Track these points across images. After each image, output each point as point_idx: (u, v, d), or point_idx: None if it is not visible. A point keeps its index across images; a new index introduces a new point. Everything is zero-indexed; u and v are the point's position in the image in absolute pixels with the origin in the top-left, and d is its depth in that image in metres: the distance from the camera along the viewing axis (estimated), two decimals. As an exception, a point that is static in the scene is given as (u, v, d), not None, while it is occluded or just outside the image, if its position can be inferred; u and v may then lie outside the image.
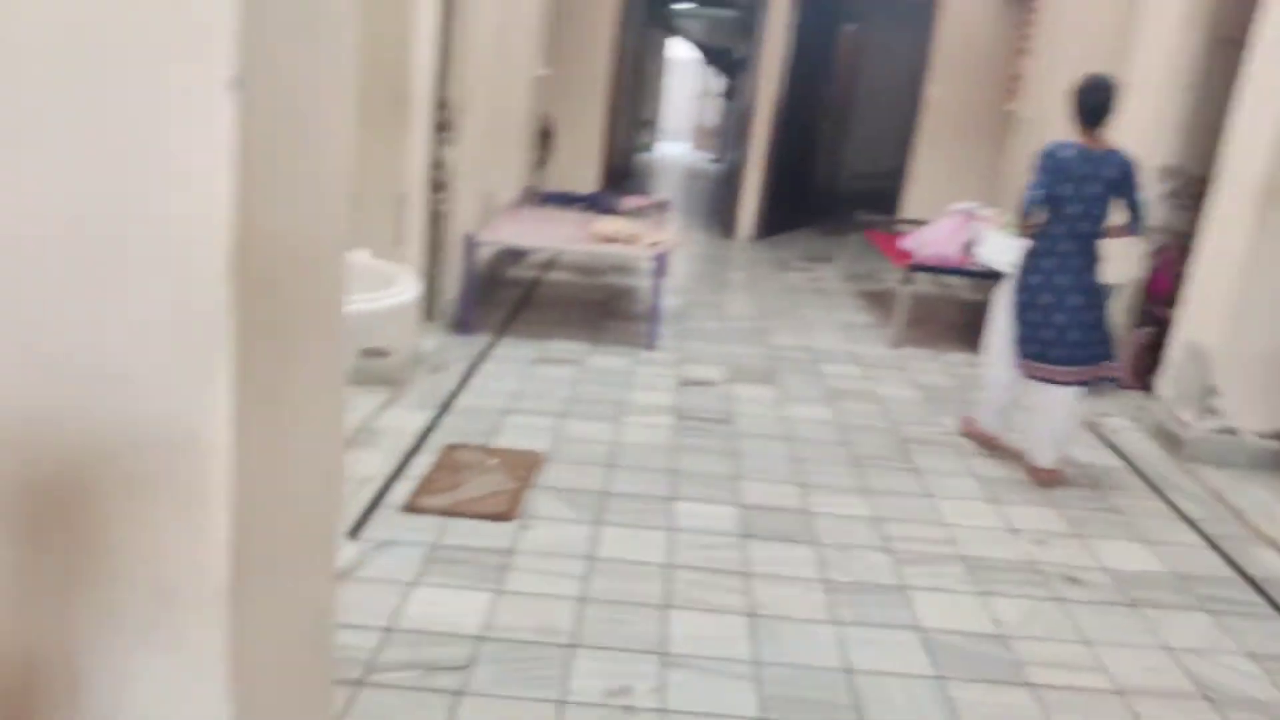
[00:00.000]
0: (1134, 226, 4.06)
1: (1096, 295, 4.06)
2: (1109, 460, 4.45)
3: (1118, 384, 4.40)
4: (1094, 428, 4.84)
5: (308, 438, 1.51)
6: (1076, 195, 3.93)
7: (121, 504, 1.27)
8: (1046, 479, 4.10)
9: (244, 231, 1.18)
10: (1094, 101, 3.93)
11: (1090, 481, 4.18)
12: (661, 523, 3.48)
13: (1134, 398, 5.32)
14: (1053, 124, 6.83)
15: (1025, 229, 4.12)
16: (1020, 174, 7.12)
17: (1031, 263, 4.08)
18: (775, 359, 5.58)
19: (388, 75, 4.17)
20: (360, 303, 2.59)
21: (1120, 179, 3.94)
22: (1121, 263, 5.35)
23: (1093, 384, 4.13)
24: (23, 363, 1.23)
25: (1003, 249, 5.75)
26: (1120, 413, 5.07)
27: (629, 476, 3.84)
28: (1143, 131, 5.25)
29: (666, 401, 4.72)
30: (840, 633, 2.89)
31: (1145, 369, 5.46)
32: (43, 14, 1.14)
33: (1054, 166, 3.94)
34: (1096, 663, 2.85)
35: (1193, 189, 5.33)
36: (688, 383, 5.03)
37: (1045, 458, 4.11)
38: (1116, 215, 4.02)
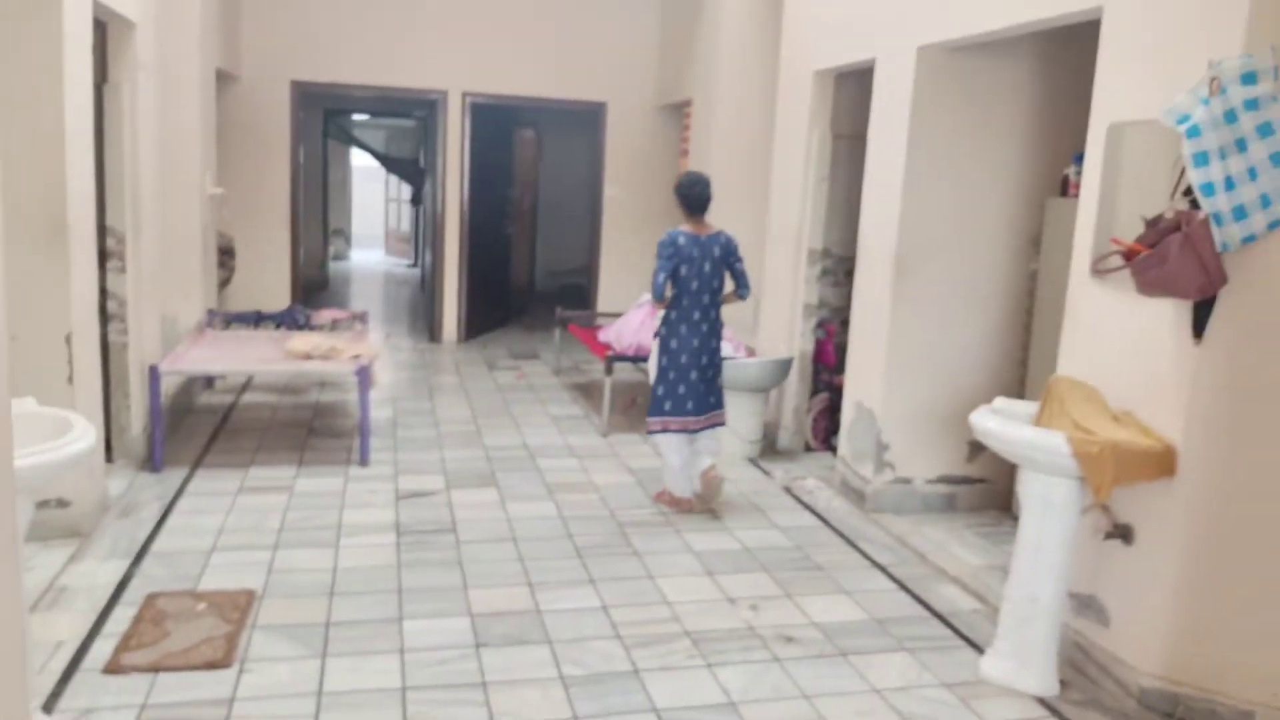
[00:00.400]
0: (741, 292, 4.87)
1: (717, 354, 4.90)
2: (807, 520, 4.83)
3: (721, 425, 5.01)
4: (790, 490, 5.24)
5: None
6: (693, 273, 4.72)
7: None
8: (685, 506, 4.88)
9: None
10: (695, 194, 4.81)
11: (794, 543, 4.51)
12: (392, 645, 3.38)
13: (821, 459, 5.83)
14: (715, 219, 7.44)
15: (662, 306, 4.80)
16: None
17: (670, 330, 4.81)
18: (493, 460, 5.61)
19: (43, 207, 3.89)
20: (30, 456, 2.38)
21: (724, 255, 4.80)
22: (790, 339, 5.90)
23: (710, 426, 4.90)
24: None
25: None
26: (811, 474, 5.52)
27: (352, 602, 3.70)
28: (791, 220, 5.87)
29: (385, 518, 4.61)
30: (583, 728, 2.93)
31: (826, 432, 6.01)
32: None
33: (672, 252, 4.70)
34: (817, 715, 3.06)
35: (842, 267, 6.00)
36: (406, 495, 4.94)
37: (679, 489, 4.89)
38: (728, 285, 4.87)
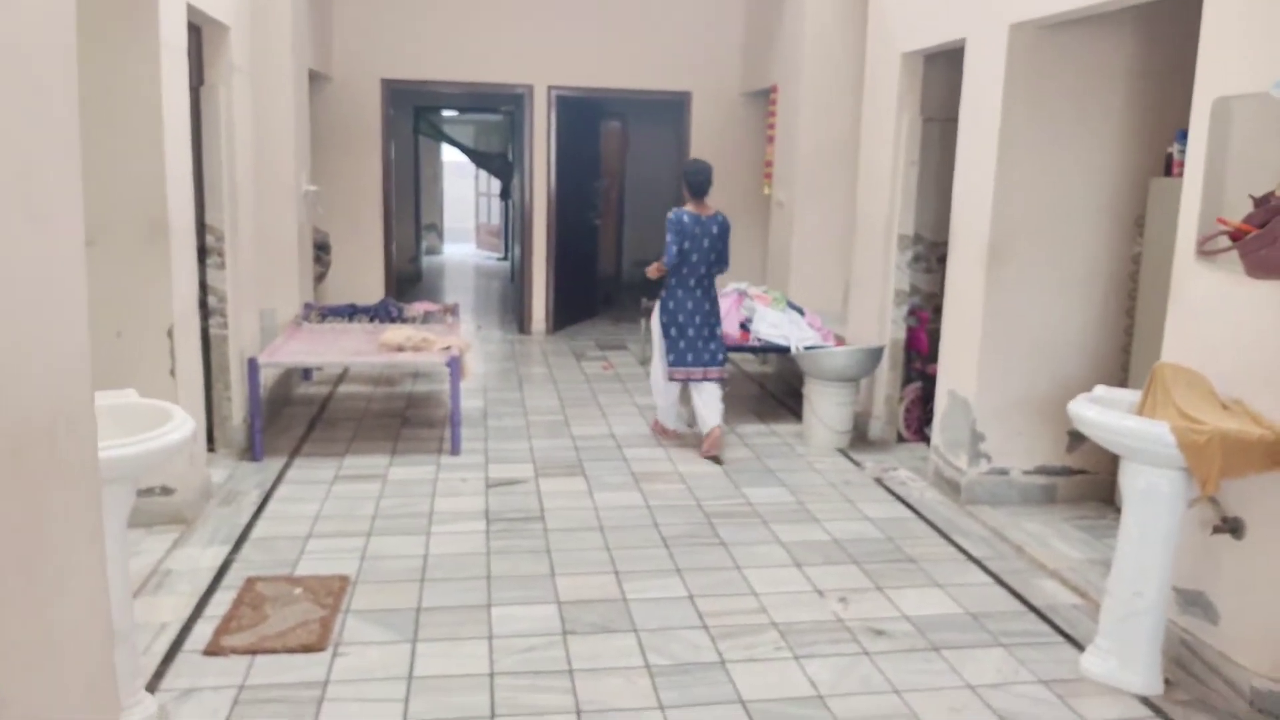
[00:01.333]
0: (719, 267, 5.61)
1: (712, 316, 5.63)
2: (900, 512, 4.73)
3: (725, 382, 5.72)
4: (881, 481, 5.14)
5: (76, 598, 1.43)
6: (694, 247, 5.49)
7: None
8: (672, 436, 5.87)
9: None
10: (698, 180, 5.53)
11: (885, 535, 4.43)
12: (480, 631, 3.42)
13: (914, 449, 5.71)
14: (803, 206, 7.39)
15: (658, 273, 5.64)
16: (783, 254, 7.61)
17: (669, 294, 5.61)
18: (580, 449, 5.63)
19: (144, 206, 4.03)
20: (129, 445, 2.47)
21: (719, 234, 5.54)
22: (880, 326, 5.79)
23: (712, 380, 5.61)
24: None
25: (776, 324, 6.10)
26: (903, 465, 5.41)
27: (442, 588, 3.76)
28: (881, 206, 5.74)
29: (475, 506, 4.67)
30: (667, 717, 2.91)
31: (919, 421, 5.88)
32: None
33: (680, 229, 5.46)
34: (908, 710, 3.00)
35: (934, 253, 5.86)
36: (495, 484, 5.00)
37: (669, 422, 5.89)
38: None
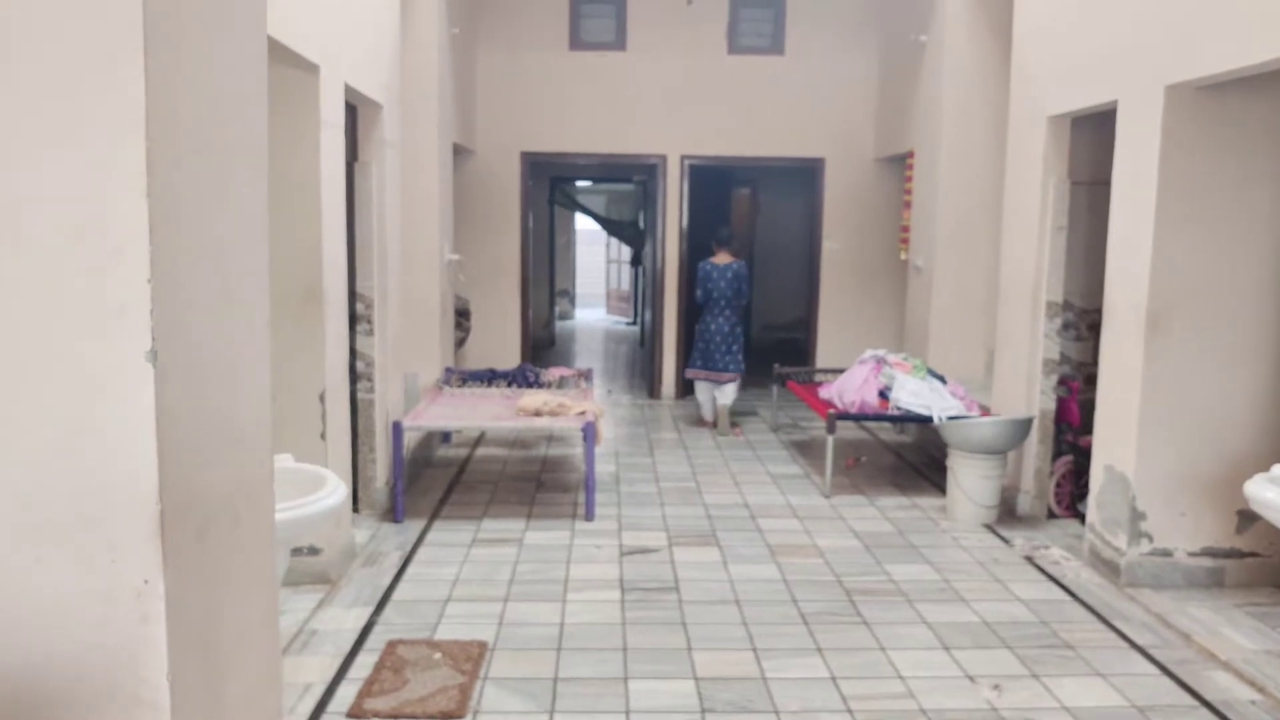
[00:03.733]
0: (739, 300, 7.79)
1: (729, 338, 7.76)
2: (1054, 594, 4.49)
3: (737, 384, 7.89)
4: (1032, 560, 4.90)
5: (249, 672, 1.46)
6: (715, 289, 7.73)
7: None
8: (704, 425, 8.03)
9: (169, 492, 1.18)
10: (717, 236, 7.90)
11: (1039, 618, 4.20)
12: (617, 705, 3.37)
13: (1066, 526, 5.43)
14: (942, 271, 7.23)
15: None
16: (921, 320, 7.45)
17: (700, 319, 7.88)
18: (714, 518, 5.57)
19: (300, 273, 4.22)
20: (287, 510, 2.54)
21: (735, 278, 7.72)
22: (1029, 397, 5.56)
23: (719, 383, 7.83)
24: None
25: (917, 392, 5.94)
26: (1055, 543, 5.15)
27: (578, 658, 3.73)
28: (1027, 271, 5.55)
29: (610, 574, 4.65)
30: (814, 806, 2.79)
31: (1071, 497, 5.61)
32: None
33: (703, 277, 7.81)
34: (1074, 810, 2.80)
35: (1085, 320, 5.62)
36: (630, 551, 4.97)
37: (705, 415, 8.03)
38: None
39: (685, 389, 9.45)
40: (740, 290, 7.71)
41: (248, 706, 1.47)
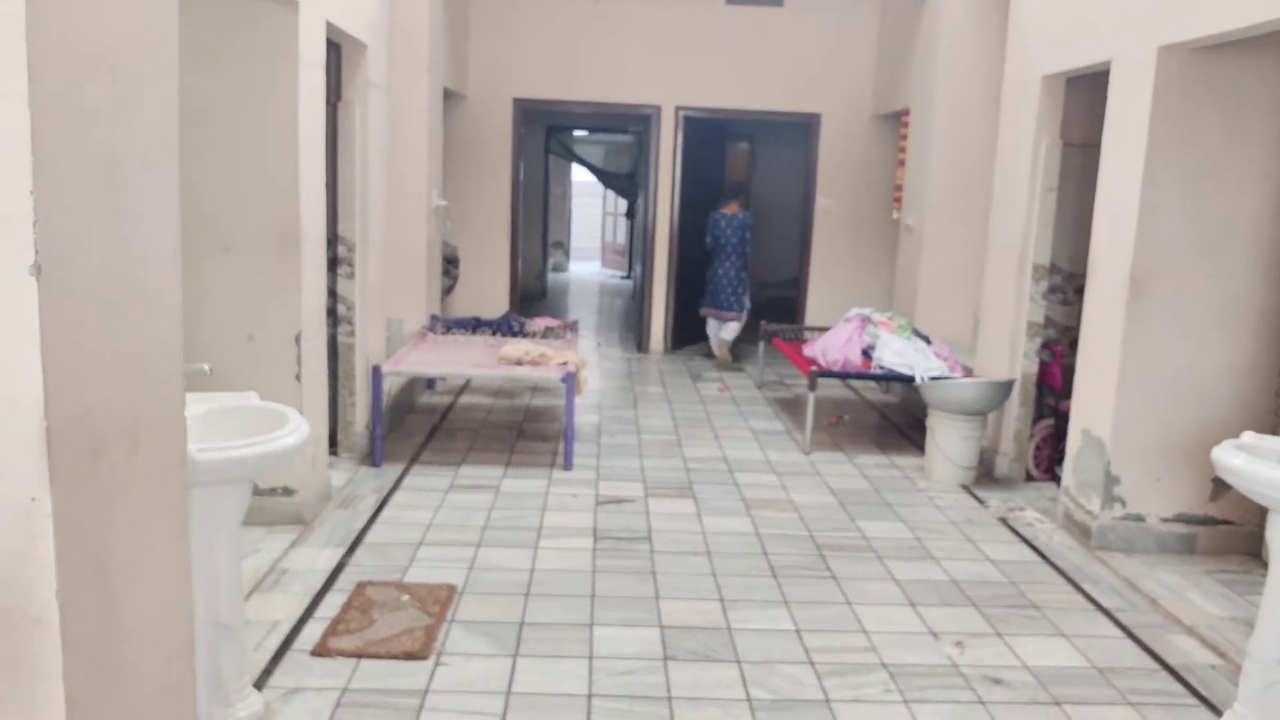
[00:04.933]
0: (744, 247, 8.71)
1: (735, 282, 8.67)
2: (1025, 555, 4.51)
3: (740, 323, 8.82)
4: (1006, 521, 4.92)
5: (153, 598, 1.45)
6: (723, 236, 8.63)
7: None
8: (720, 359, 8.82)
9: (55, 410, 1.16)
10: (727, 191, 8.89)
11: (1008, 578, 4.22)
12: (581, 651, 3.39)
13: (1043, 489, 5.45)
14: (933, 232, 7.18)
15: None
16: (910, 280, 7.42)
17: (712, 263, 8.73)
18: (692, 471, 5.58)
19: (276, 215, 4.18)
20: (245, 448, 2.53)
21: (740, 227, 8.63)
22: (1011, 360, 5.55)
23: (723, 320, 8.77)
24: None
25: (901, 352, 5.92)
26: (1030, 505, 5.16)
27: (546, 604, 3.75)
28: (1015, 233, 5.51)
29: (584, 523, 4.66)
30: (768, 754, 2.82)
31: (1050, 460, 5.62)
32: None
33: (712, 225, 8.68)
34: (1025, 765, 2.82)
35: (1071, 284, 5.59)
36: (605, 501, 4.98)
37: (714, 349, 8.89)
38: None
39: (675, 343, 9.45)
40: (744, 238, 8.61)
41: (151, 635, 1.46)
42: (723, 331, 8.75)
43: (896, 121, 8.42)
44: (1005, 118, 5.77)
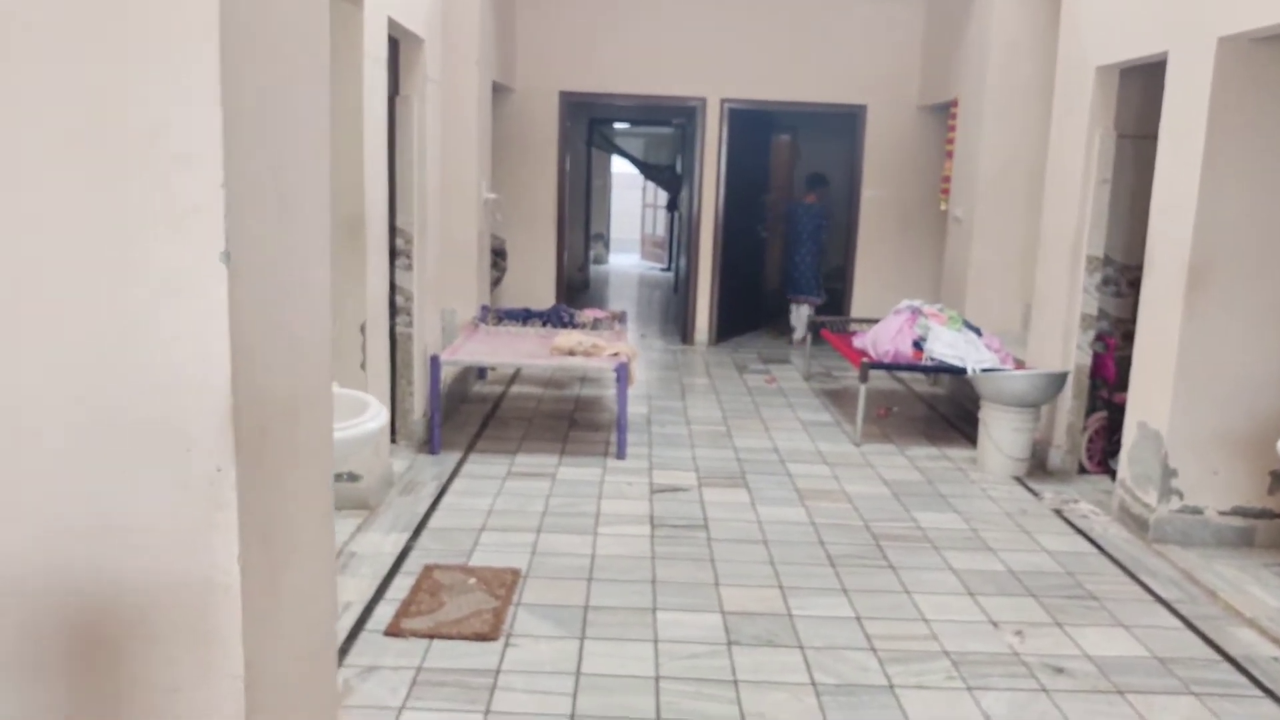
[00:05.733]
0: (820, 235, 9.50)
1: (812, 269, 9.45)
2: (1081, 546, 4.52)
3: (812, 308, 9.37)
4: (1061, 513, 4.92)
5: (305, 568, 1.53)
6: (801, 225, 9.48)
7: (140, 646, 1.27)
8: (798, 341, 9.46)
9: (238, 388, 1.24)
10: (807, 180, 9.77)
11: (1065, 569, 4.23)
12: (645, 634, 3.46)
13: (1096, 482, 5.44)
14: (983, 223, 7.17)
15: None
16: (960, 272, 7.41)
17: (787, 253, 9.74)
18: (743, 461, 5.63)
19: (344, 205, 4.27)
20: (342, 430, 2.61)
21: (815, 215, 9.45)
22: (1065, 351, 5.53)
23: (801, 304, 9.49)
24: (41, 524, 1.25)
25: (952, 344, 5.93)
26: (1084, 497, 5.16)
27: (609, 589, 3.82)
28: (1068, 224, 5.49)
29: (640, 510, 4.73)
30: (835, 737, 2.87)
31: (1103, 453, 5.60)
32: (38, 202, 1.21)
33: (789, 214, 9.70)
34: (1091, 750, 2.85)
35: (1125, 276, 5.57)
36: (660, 490, 5.04)
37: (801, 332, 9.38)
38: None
39: (719, 335, 9.49)
40: (821, 226, 9.44)
41: (303, 601, 1.54)
42: (800, 315, 9.40)
43: (943, 113, 8.39)
44: (1058, 109, 5.75)
